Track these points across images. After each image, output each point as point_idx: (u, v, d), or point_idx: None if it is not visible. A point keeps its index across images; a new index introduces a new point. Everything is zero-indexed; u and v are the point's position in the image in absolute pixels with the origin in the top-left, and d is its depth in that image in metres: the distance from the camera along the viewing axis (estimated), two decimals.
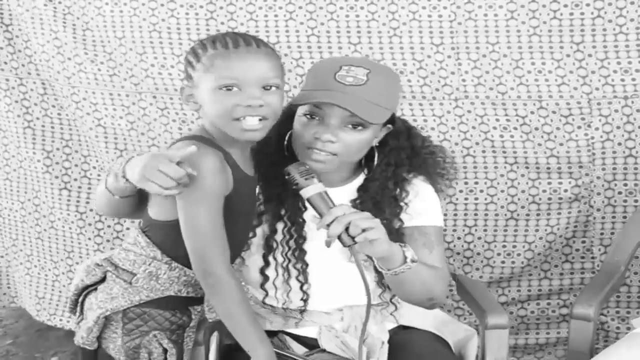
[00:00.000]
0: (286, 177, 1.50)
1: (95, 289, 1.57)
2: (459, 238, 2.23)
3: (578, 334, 1.75)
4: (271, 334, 1.64)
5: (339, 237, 1.43)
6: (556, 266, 2.23)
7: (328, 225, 1.43)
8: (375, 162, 1.63)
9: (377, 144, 1.63)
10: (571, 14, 2.02)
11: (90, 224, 2.46)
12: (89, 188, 2.45)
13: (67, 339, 2.65)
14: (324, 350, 1.62)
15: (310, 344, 1.64)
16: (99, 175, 2.43)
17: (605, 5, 2.00)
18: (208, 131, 1.51)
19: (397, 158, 1.65)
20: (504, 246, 2.22)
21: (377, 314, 1.66)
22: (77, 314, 1.60)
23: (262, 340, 1.48)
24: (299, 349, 1.64)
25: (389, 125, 1.64)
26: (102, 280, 1.56)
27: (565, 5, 2.02)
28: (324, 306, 1.64)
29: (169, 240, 1.51)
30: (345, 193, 1.64)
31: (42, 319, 2.61)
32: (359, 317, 1.63)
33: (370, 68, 1.57)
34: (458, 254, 2.24)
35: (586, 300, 1.76)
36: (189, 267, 1.49)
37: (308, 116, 1.56)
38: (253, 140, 1.51)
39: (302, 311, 1.64)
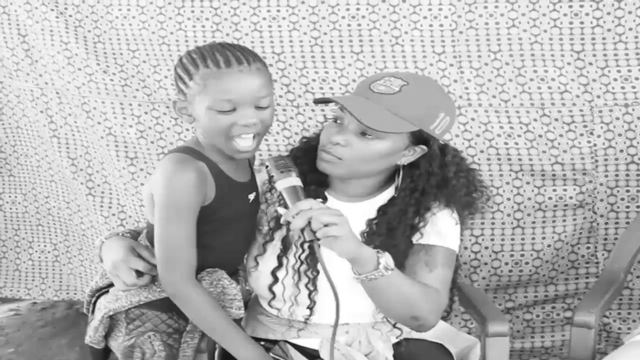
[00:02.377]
0: (266, 169, 1.50)
1: (107, 291, 1.63)
2: (465, 248, 2.24)
3: (579, 341, 1.74)
4: (273, 341, 1.65)
5: (302, 232, 1.41)
6: (562, 272, 2.24)
7: (293, 219, 1.41)
8: (399, 184, 1.59)
9: (404, 164, 1.58)
10: (571, 22, 2.04)
11: (113, 227, 2.53)
12: (111, 193, 2.53)
13: (69, 347, 2.70)
14: None
15: (312, 355, 1.63)
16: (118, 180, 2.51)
17: (604, 15, 2.01)
18: (200, 142, 1.55)
19: (426, 184, 1.58)
20: (512, 255, 2.22)
21: (382, 334, 1.63)
22: (90, 314, 1.66)
23: (243, 343, 1.51)
24: (300, 359, 1.63)
25: (423, 147, 1.57)
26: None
27: (565, 14, 2.04)
28: (331, 320, 1.55)
29: None
30: (367, 208, 1.61)
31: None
32: (365, 333, 1.61)
33: (410, 82, 1.54)
34: (465, 263, 2.25)
35: (587, 308, 1.76)
36: None
37: (333, 120, 1.58)
38: (246, 157, 1.56)
39: (306, 320, 1.63)
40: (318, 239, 1.40)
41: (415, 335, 1.65)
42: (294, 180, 1.46)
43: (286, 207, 1.45)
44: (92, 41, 2.35)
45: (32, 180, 2.67)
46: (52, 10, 2.34)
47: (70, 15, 2.34)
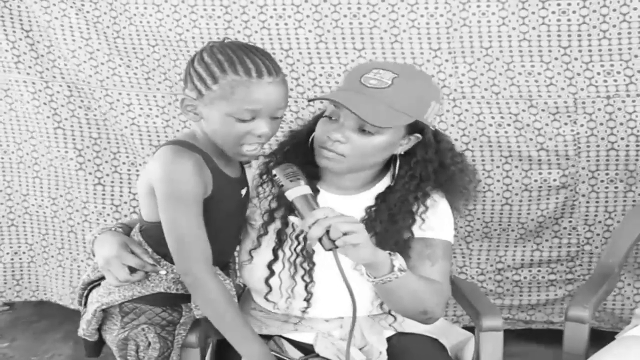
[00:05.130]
0: (273, 178, 1.51)
1: (99, 284, 1.66)
2: (460, 217, 2.47)
3: (573, 336, 1.73)
4: (267, 336, 1.67)
5: (320, 241, 1.40)
6: (547, 240, 2.48)
7: (310, 228, 1.40)
8: (397, 172, 1.61)
9: (401, 153, 1.61)
10: (559, 20, 2.17)
11: (125, 215, 2.67)
12: (121, 182, 2.65)
13: (63, 342, 2.72)
14: (318, 356, 1.63)
15: (307, 349, 1.66)
16: (129, 170, 2.63)
17: (590, 13, 2.14)
18: (196, 137, 1.55)
19: (424, 171, 1.61)
20: (500, 224, 2.46)
21: (375, 324, 1.66)
22: (82, 307, 1.70)
23: (250, 339, 1.52)
24: (294, 353, 1.65)
25: (418, 135, 1.60)
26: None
27: (553, 12, 2.16)
28: (326, 313, 1.63)
29: (158, 239, 1.57)
30: (363, 200, 1.64)
31: (76, 306, 2.72)
32: (359, 327, 1.63)
33: (400, 73, 1.54)
34: (461, 227, 2.49)
35: (581, 303, 1.75)
36: None
37: (328, 117, 1.59)
38: (246, 160, 1.62)
39: (303, 313, 1.64)
40: (337, 247, 1.40)
41: (409, 329, 1.69)
42: (305, 188, 1.47)
43: (292, 212, 1.48)
44: (112, 36, 2.48)
45: (7, 178, 2.68)
46: (71, 7, 2.45)
47: (88, 12, 2.45)
